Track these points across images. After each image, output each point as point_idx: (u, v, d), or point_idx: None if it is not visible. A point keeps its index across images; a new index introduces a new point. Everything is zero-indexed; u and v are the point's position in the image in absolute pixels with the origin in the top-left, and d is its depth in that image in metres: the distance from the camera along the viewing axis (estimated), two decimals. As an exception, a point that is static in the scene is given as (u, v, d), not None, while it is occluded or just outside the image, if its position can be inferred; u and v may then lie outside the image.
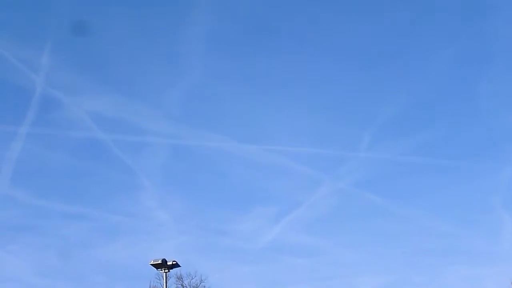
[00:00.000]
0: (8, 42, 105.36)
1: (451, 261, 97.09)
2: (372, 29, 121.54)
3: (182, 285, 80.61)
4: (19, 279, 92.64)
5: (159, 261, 45.35)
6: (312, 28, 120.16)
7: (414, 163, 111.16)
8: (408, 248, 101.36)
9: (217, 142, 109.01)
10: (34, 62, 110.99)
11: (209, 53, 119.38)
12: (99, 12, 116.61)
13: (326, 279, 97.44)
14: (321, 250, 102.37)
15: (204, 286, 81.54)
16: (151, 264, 45.93)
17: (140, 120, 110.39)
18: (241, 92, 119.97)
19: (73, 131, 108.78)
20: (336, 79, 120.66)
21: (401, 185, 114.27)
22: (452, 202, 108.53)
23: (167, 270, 46.35)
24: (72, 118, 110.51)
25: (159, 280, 75.54)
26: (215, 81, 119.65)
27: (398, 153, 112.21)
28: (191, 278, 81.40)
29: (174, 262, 46.15)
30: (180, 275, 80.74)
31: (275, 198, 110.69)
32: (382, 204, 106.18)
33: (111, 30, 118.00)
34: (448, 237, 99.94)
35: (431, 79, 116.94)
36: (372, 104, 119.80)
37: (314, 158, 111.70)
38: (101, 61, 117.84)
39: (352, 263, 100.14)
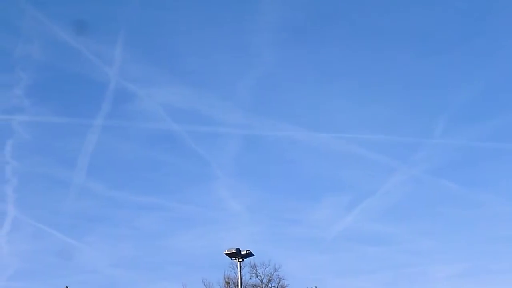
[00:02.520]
0: (82, 37, 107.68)
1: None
2: (445, 14, 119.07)
3: (256, 274, 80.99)
4: (96, 270, 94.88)
5: (233, 251, 45.57)
6: (383, 14, 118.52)
7: (489, 149, 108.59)
8: (484, 235, 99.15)
9: (288, 132, 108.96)
10: (107, 56, 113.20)
11: (279, 42, 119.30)
12: (169, 4, 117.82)
13: (400, 267, 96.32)
14: (395, 238, 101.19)
15: (278, 275, 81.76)
16: (225, 254, 46.19)
17: (212, 111, 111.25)
18: (311, 81, 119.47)
19: (147, 123, 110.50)
20: (409, 64, 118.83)
21: (477, 171, 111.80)
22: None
23: (241, 260, 46.56)
24: (146, 110, 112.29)
25: (233, 269, 76.14)
26: (285, 70, 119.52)
27: (474, 138, 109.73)
28: (265, 267, 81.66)
29: (248, 252, 46.30)
30: (254, 264, 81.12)
31: (348, 186, 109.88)
32: (457, 191, 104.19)
33: (182, 22, 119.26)
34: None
35: (505, 63, 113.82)
36: (446, 89, 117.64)
37: (387, 146, 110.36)
38: (172, 53, 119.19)
39: (427, 251, 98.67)
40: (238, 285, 54.18)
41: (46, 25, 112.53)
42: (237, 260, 46.61)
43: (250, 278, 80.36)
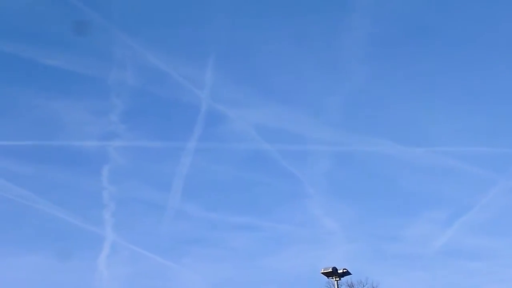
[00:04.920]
0: (173, 61, 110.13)
1: None
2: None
3: (353, 292, 79.76)
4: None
5: (330, 269, 44.95)
6: (476, 24, 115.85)
7: None
8: None
9: (380, 147, 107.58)
10: (198, 79, 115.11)
11: (369, 57, 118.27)
12: (257, 25, 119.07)
13: (503, 282, 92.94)
14: (497, 252, 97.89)
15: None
16: (322, 273, 45.61)
17: (302, 129, 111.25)
18: (402, 95, 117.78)
19: (239, 143, 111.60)
20: (506, 74, 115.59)
21: None
22: None
23: (338, 278, 45.87)
24: (237, 130, 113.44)
25: (330, 288, 75.29)
26: (376, 85, 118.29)
27: None
28: (362, 285, 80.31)
29: (344, 270, 45.59)
30: (351, 283, 79.83)
31: (445, 201, 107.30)
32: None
33: (269, 41, 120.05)
34: None
35: None
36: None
37: (483, 157, 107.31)
38: (261, 72, 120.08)
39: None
40: (336, 305, 53.29)
41: (138, 51, 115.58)
42: (334, 279, 45.94)
43: (347, 297, 79.25)
